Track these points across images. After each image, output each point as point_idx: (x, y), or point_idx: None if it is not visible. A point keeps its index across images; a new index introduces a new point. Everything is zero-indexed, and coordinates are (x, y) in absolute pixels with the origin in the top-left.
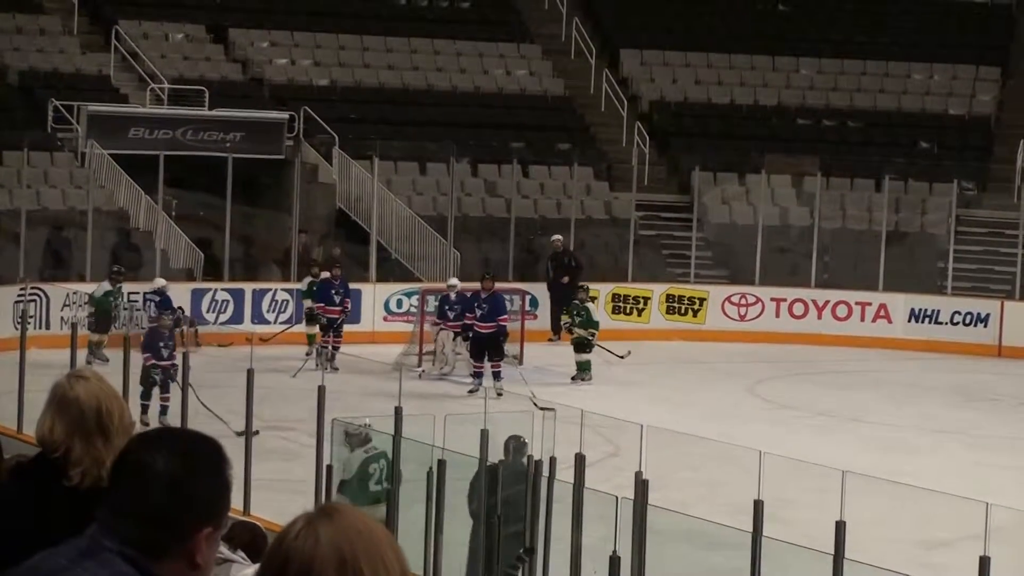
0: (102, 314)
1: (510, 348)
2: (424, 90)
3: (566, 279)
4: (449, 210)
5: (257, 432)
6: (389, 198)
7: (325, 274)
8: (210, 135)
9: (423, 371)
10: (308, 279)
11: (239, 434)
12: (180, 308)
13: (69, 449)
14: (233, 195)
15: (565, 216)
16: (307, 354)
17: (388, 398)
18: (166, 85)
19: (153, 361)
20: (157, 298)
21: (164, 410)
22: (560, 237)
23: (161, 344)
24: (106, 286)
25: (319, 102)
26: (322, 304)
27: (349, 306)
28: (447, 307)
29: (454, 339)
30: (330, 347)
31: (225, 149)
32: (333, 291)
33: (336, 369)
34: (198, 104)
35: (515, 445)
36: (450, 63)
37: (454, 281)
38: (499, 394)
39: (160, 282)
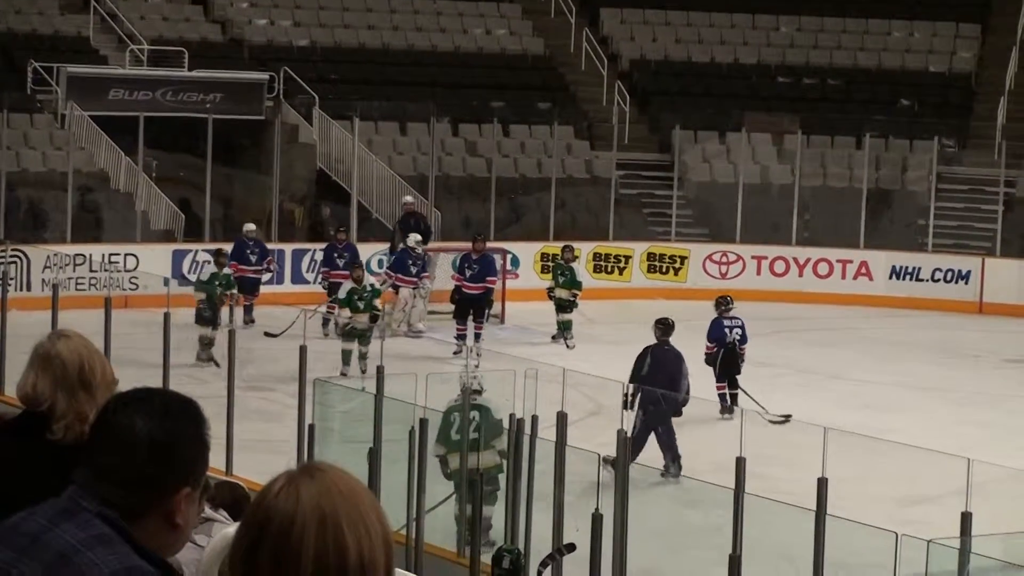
0: (211, 302)
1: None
2: (404, 50)
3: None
4: (430, 170)
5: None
6: (370, 158)
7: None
8: (190, 96)
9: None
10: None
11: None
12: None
13: (53, 404)
14: (213, 156)
15: (546, 175)
16: None
17: (370, 358)
18: (145, 46)
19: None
20: (251, 242)
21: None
22: (411, 199)
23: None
24: (211, 268)
25: (299, 62)
26: (326, 268)
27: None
28: (410, 261)
29: (412, 295)
30: (336, 313)
31: (205, 110)
32: (336, 255)
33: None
34: (178, 65)
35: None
36: (430, 23)
37: (417, 237)
38: (478, 355)
39: (250, 227)
